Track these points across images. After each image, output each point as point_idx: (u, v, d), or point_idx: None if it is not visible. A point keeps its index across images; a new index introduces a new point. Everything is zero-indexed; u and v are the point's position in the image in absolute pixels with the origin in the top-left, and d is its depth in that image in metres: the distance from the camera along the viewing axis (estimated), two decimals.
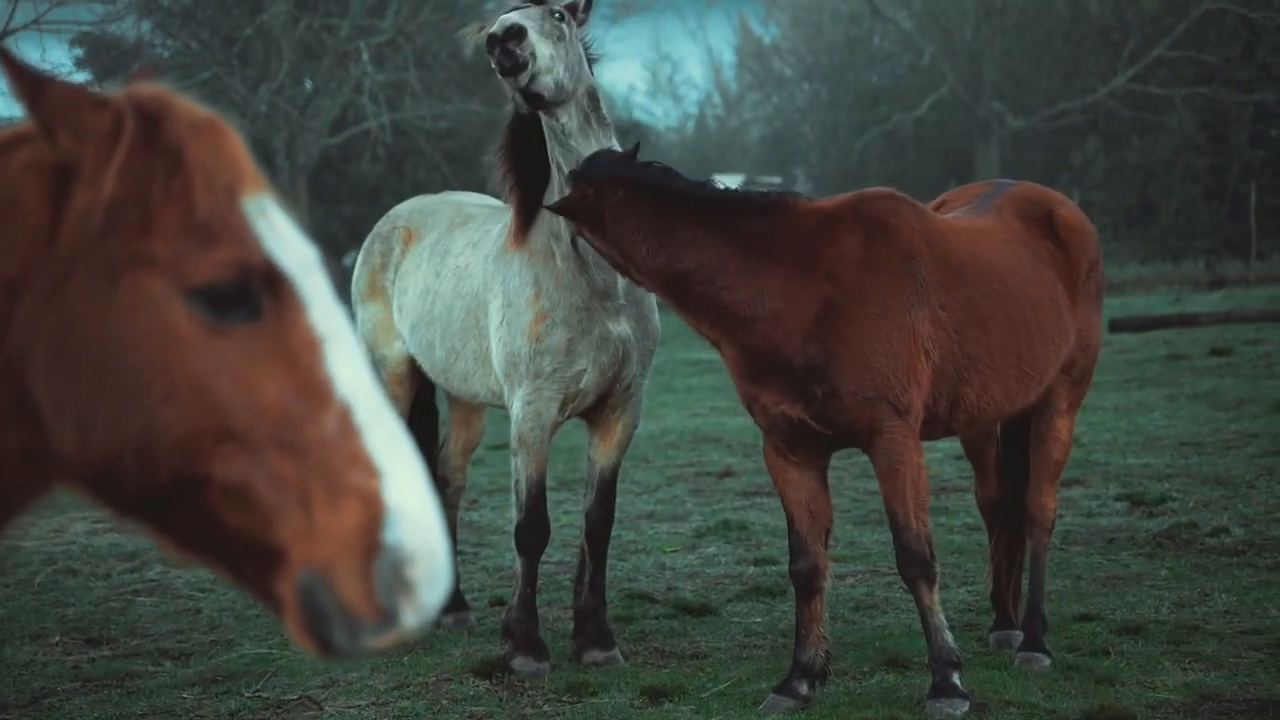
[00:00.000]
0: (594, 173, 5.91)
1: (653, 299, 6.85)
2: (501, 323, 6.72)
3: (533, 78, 6.20)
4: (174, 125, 1.93)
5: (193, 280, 1.89)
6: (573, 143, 6.44)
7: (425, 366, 7.31)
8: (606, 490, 6.89)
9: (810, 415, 5.85)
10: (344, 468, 1.92)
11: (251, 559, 1.95)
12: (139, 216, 1.90)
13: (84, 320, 1.90)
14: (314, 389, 1.94)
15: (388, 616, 1.93)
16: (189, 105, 1.96)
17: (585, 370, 6.62)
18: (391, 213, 7.84)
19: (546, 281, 6.61)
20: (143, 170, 1.91)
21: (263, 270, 1.92)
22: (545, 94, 6.30)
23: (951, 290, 5.99)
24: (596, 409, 6.83)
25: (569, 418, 6.83)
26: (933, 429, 6.11)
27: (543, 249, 6.65)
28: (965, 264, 6.09)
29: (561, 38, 6.33)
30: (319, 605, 1.92)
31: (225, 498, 1.92)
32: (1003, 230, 6.42)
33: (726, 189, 6.05)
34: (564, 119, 6.42)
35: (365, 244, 7.81)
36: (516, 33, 6.15)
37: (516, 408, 6.68)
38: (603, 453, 6.90)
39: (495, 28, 6.21)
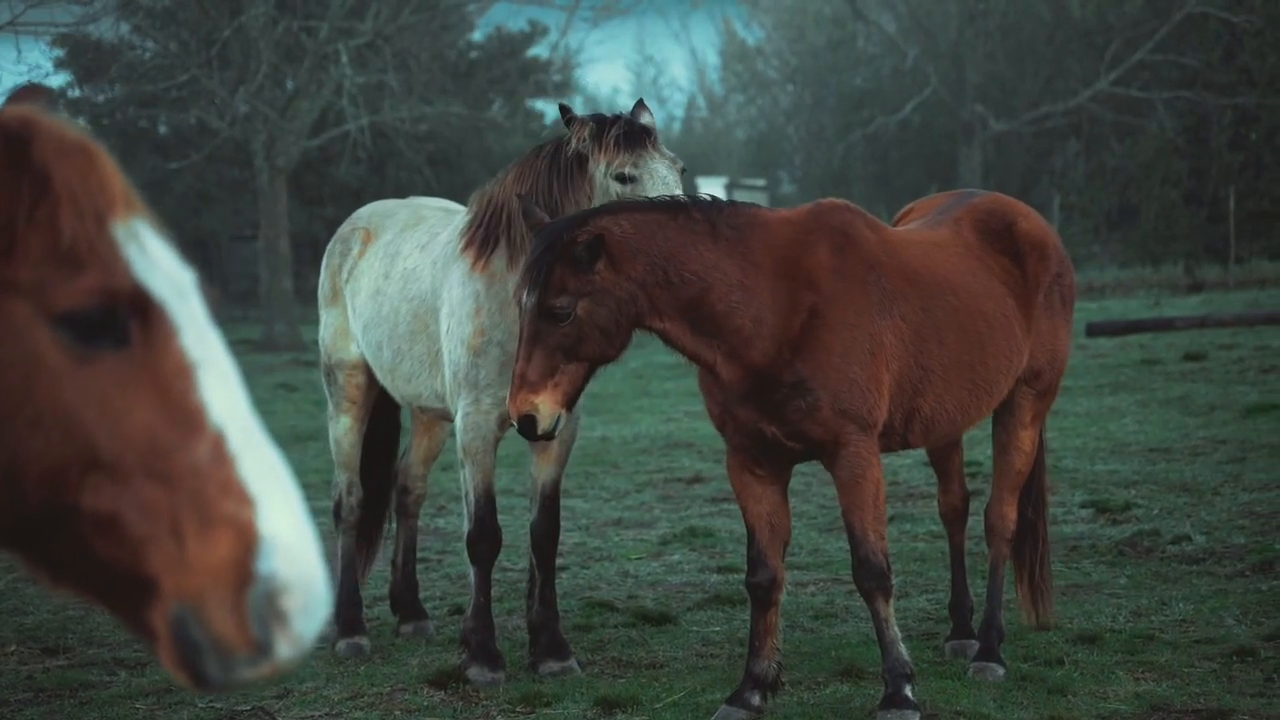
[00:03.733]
0: (575, 218, 5.75)
1: None
2: (447, 331, 6.74)
3: None
4: (41, 148, 1.90)
5: (57, 307, 1.87)
6: None
7: (374, 366, 7.32)
8: (549, 504, 6.90)
9: (785, 432, 5.83)
10: (216, 496, 1.90)
11: (124, 590, 1.93)
12: (3, 241, 1.87)
13: None
14: (185, 416, 1.91)
15: (261, 648, 1.90)
16: (59, 127, 1.93)
17: None
18: (354, 215, 7.87)
19: (489, 301, 6.61)
20: (7, 194, 1.88)
21: (131, 296, 1.90)
22: None
23: (909, 301, 5.99)
24: None
25: (508, 429, 6.81)
26: (888, 441, 6.10)
27: (491, 269, 6.63)
28: (920, 275, 6.09)
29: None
30: (191, 637, 1.89)
31: (95, 528, 1.89)
32: (956, 243, 6.41)
33: (700, 198, 5.99)
34: None
35: (328, 247, 7.81)
36: None
37: (459, 419, 6.71)
38: (542, 468, 6.91)
39: None
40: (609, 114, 6.61)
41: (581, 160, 6.46)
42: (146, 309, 1.91)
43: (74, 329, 1.88)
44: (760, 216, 5.95)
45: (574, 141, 6.46)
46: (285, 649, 1.91)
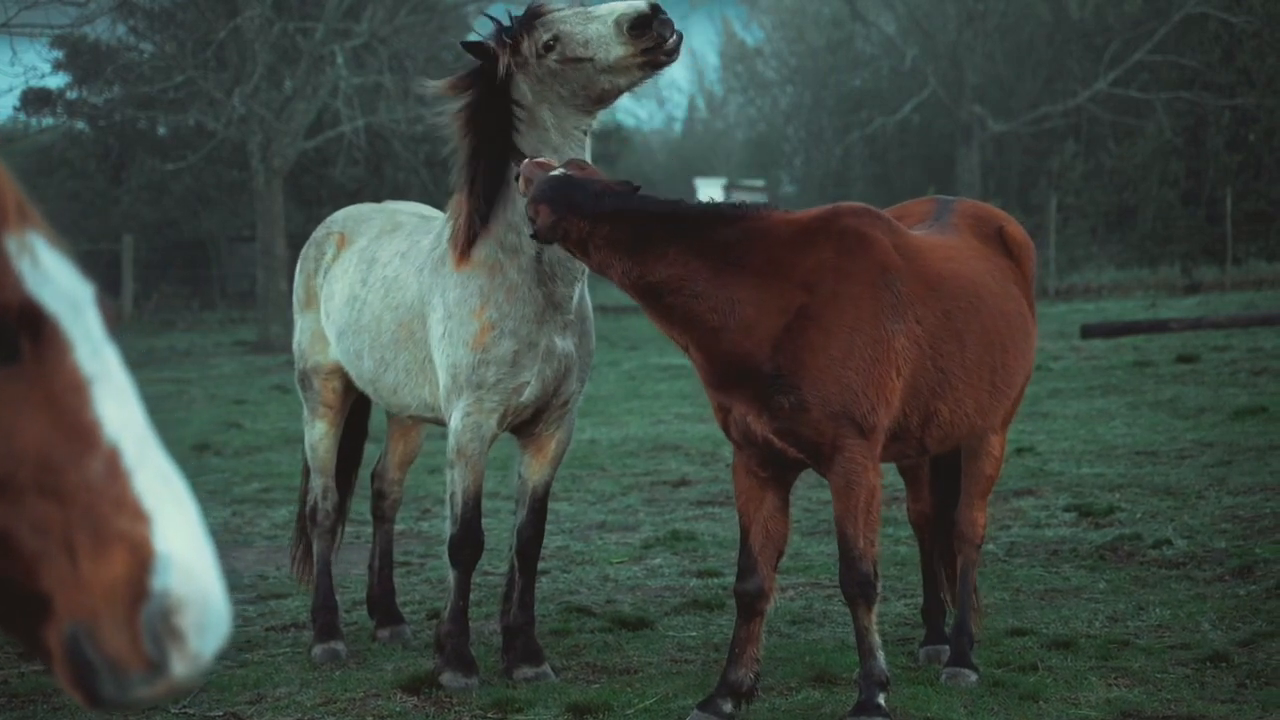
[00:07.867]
0: (584, 206, 5.77)
1: (592, 315, 6.86)
2: (443, 335, 6.62)
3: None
4: None
5: None
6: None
7: (353, 375, 7.26)
8: (539, 508, 6.82)
9: (774, 430, 5.78)
10: (110, 513, 1.89)
11: (18, 609, 1.92)
12: None
13: None
14: (79, 432, 1.90)
15: (156, 666, 1.89)
16: None
17: (529, 383, 6.55)
18: (329, 219, 7.80)
19: (495, 293, 6.51)
20: None
21: (20, 311, 1.88)
22: None
23: (928, 304, 5.96)
24: (531, 424, 6.77)
25: (506, 429, 6.76)
26: (905, 445, 6.06)
27: (487, 261, 6.57)
28: (942, 278, 6.07)
29: None
30: (85, 656, 1.89)
31: None
32: (967, 246, 6.43)
33: (700, 203, 6.01)
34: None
35: (302, 251, 7.76)
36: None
37: (455, 419, 6.57)
38: (535, 469, 6.82)
39: (643, 5, 6.08)
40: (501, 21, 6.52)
41: (509, 75, 6.39)
42: (38, 324, 1.89)
43: None
44: (759, 214, 5.93)
45: (502, 61, 6.36)
46: (180, 667, 1.90)
